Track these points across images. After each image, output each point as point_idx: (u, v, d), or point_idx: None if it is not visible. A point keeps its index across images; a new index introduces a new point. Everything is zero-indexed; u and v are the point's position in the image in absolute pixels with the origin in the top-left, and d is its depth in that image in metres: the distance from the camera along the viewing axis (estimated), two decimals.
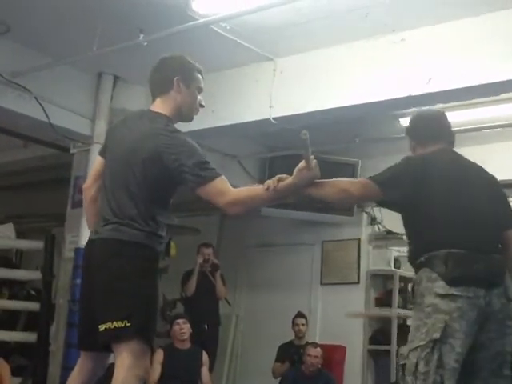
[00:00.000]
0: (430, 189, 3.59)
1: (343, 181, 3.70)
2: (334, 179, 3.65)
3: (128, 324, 3.32)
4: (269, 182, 3.43)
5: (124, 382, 3.28)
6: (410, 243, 3.69)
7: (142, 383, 3.38)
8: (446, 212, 3.58)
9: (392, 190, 3.60)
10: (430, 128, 3.93)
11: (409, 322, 9.11)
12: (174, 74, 3.69)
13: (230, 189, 3.43)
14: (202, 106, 3.80)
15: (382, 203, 3.81)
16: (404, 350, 3.49)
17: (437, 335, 3.34)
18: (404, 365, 3.43)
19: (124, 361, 3.31)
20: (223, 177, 3.44)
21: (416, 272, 3.55)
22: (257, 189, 3.51)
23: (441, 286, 3.39)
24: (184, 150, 3.45)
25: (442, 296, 3.37)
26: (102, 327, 3.34)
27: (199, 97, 3.78)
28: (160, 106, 3.70)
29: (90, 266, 3.55)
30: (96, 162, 3.89)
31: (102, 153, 3.84)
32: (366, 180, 3.64)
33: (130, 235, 3.44)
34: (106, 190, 3.64)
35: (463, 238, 3.52)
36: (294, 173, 3.48)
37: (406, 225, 3.72)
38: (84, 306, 3.63)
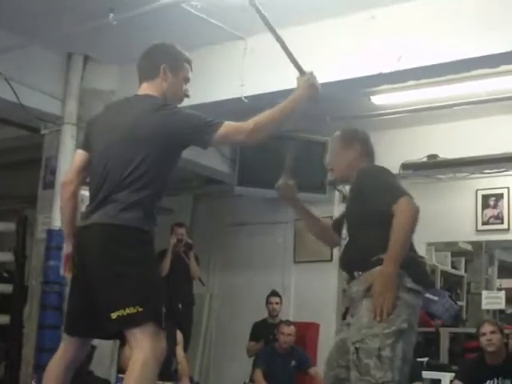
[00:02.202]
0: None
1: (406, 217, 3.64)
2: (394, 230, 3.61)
3: (140, 309, 3.35)
4: None
5: (144, 364, 3.31)
6: (364, 241, 3.77)
7: (160, 365, 3.42)
8: None
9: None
10: (373, 150, 4.17)
11: None
12: (162, 62, 3.75)
13: (242, 123, 3.60)
14: (187, 95, 3.89)
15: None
16: (355, 335, 3.62)
17: (404, 326, 3.56)
18: (357, 349, 3.56)
19: (142, 344, 3.34)
20: None
21: (372, 266, 3.66)
22: (269, 110, 3.68)
23: (409, 282, 3.62)
24: (188, 117, 3.62)
25: (411, 291, 3.63)
26: (114, 315, 3.35)
27: (185, 86, 3.84)
28: (147, 90, 3.75)
29: (88, 252, 3.53)
30: (77, 156, 3.86)
31: (85, 146, 3.82)
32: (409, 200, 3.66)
33: (128, 219, 3.46)
34: (97, 177, 3.62)
35: (412, 241, 3.77)
36: None
37: (367, 225, 3.79)
38: (81, 294, 3.61)
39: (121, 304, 3.36)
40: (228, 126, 3.57)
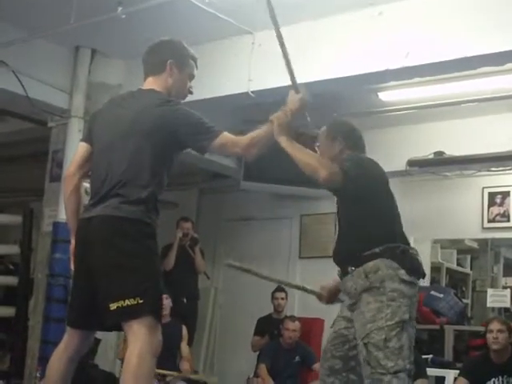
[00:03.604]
0: (377, 186, 3.95)
1: (321, 160, 3.90)
2: (315, 154, 3.99)
3: (140, 301, 3.35)
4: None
5: (140, 357, 3.30)
6: (356, 235, 3.87)
7: (155, 359, 3.41)
8: (391, 209, 3.96)
9: (353, 184, 3.82)
10: (361, 140, 4.24)
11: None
12: (168, 58, 3.76)
13: (240, 137, 3.66)
14: (190, 92, 3.90)
15: (336, 191, 4.01)
16: (361, 331, 3.70)
17: (406, 316, 3.67)
18: (366, 344, 3.65)
19: (138, 336, 3.34)
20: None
21: (365, 261, 3.76)
22: (260, 129, 3.74)
23: (404, 274, 3.72)
24: (190, 117, 3.60)
25: (406, 282, 3.71)
26: (113, 306, 3.35)
27: (189, 83, 3.86)
28: (152, 85, 3.76)
29: (90, 244, 3.53)
30: (79, 148, 3.85)
31: (87, 139, 3.83)
32: (337, 170, 3.82)
33: (131, 212, 3.47)
34: (100, 170, 3.63)
35: (403, 233, 3.93)
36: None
37: (354, 218, 3.91)
38: (82, 285, 3.62)
39: (121, 295, 3.36)
40: (226, 137, 3.62)
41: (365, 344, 3.64)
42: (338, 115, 7.54)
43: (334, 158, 4.09)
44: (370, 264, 3.73)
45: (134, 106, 3.65)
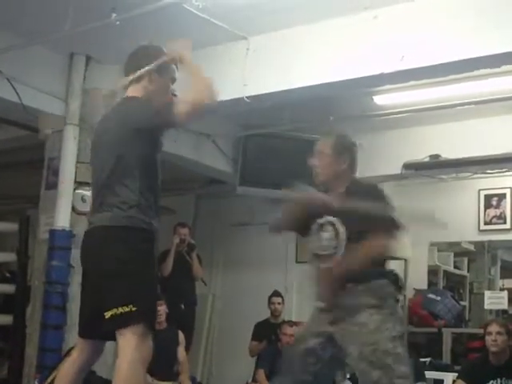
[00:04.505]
0: None
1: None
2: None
3: (134, 309, 3.37)
4: None
5: (131, 364, 3.33)
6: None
7: (146, 366, 3.43)
8: None
9: None
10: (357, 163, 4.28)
11: None
12: (148, 64, 3.73)
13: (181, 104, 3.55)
14: (174, 95, 3.85)
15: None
16: (369, 338, 3.82)
17: (402, 329, 3.99)
18: (375, 350, 3.77)
19: (130, 343, 3.36)
20: None
21: (370, 280, 3.92)
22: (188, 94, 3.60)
23: (397, 294, 4.10)
24: (141, 102, 3.62)
25: (397, 301, 4.11)
26: (108, 314, 3.38)
27: (172, 86, 3.83)
28: (133, 92, 3.75)
29: (88, 254, 3.60)
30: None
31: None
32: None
33: (124, 219, 3.49)
34: (93, 184, 3.73)
35: None
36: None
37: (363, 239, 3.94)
38: (85, 296, 3.68)
39: (114, 303, 3.39)
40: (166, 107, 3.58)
41: (373, 350, 3.77)
42: (334, 119, 7.57)
43: (335, 174, 4.12)
44: (379, 283, 3.95)
45: (111, 116, 3.71)
